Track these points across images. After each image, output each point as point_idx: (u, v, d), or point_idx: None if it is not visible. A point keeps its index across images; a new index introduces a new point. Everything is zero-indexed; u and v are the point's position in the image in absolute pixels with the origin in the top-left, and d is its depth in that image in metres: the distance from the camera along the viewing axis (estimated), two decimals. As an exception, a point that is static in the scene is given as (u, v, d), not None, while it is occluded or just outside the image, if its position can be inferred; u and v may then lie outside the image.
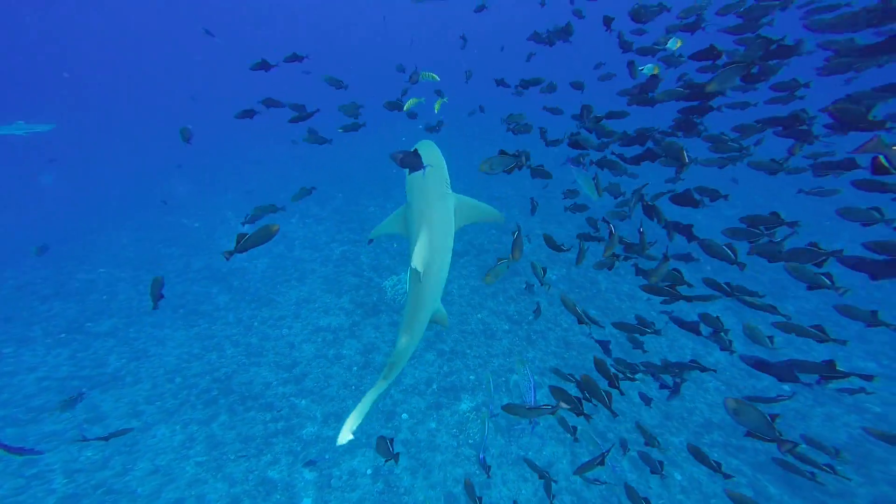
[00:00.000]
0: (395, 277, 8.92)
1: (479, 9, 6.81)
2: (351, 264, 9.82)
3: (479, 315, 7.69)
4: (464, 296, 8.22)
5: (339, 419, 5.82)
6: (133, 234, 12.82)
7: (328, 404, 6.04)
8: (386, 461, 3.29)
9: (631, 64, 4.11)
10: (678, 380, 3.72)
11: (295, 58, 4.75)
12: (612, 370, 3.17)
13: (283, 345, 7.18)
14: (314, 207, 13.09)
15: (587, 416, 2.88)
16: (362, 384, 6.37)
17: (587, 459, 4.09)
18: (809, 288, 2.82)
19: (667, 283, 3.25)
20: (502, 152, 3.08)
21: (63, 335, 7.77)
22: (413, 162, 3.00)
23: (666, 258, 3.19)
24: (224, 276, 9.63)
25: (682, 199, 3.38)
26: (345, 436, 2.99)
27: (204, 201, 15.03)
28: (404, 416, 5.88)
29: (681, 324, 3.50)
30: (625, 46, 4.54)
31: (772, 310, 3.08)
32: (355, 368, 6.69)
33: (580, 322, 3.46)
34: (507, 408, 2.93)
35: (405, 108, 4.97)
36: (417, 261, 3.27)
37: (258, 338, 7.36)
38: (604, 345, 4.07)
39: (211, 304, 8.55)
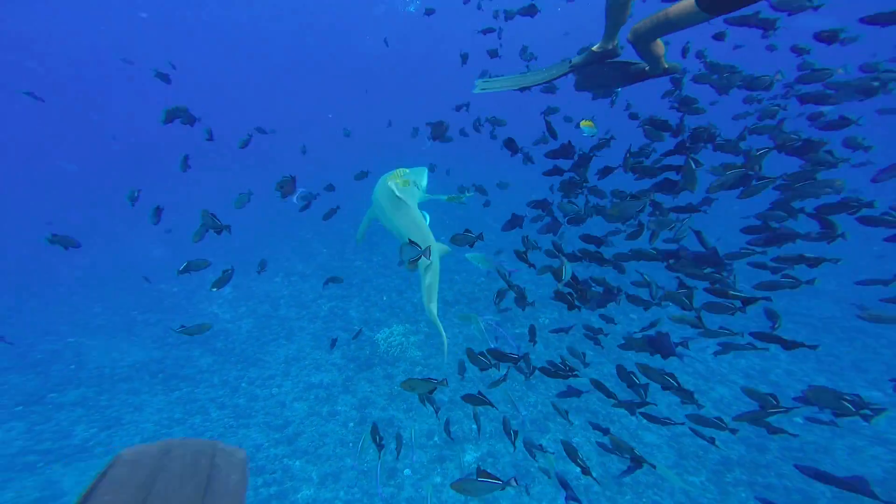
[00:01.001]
0: (386, 330, 8.79)
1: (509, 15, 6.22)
2: (340, 320, 9.65)
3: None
4: (458, 344, 8.13)
5: (337, 479, 5.40)
6: (105, 302, 12.24)
7: (324, 464, 5.62)
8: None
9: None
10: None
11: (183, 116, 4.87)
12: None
13: (273, 404, 6.77)
14: (299, 264, 13.02)
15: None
16: (359, 441, 6.00)
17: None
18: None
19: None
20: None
21: (19, 408, 7.06)
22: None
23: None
24: (206, 339, 9.21)
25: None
26: None
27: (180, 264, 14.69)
28: (407, 471, 5.52)
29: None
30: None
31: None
32: (351, 424, 6.34)
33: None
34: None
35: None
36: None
37: (246, 399, 6.93)
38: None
39: (193, 367, 8.08)
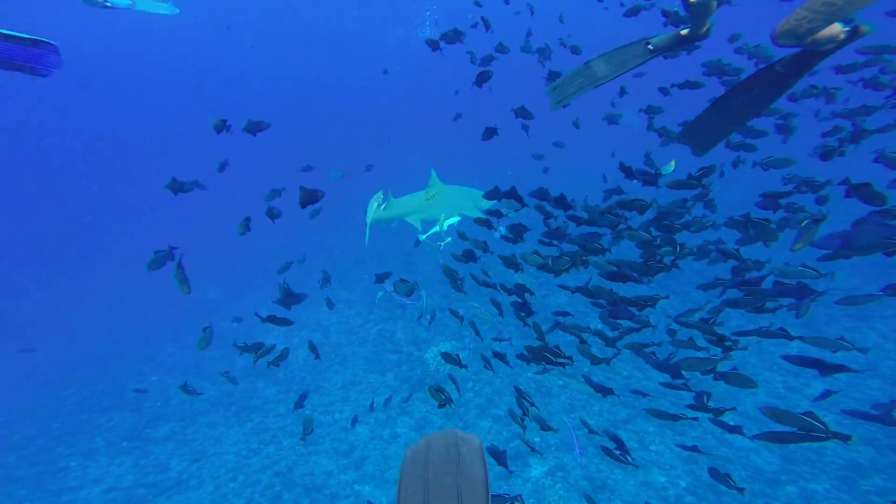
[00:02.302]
0: (434, 349, 8.90)
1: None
2: (388, 342, 9.88)
3: (528, 373, 7.50)
4: (511, 360, 8.08)
5: (406, 503, 5.50)
6: (175, 343, 13.22)
7: (392, 488, 5.74)
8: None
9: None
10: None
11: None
12: None
13: (337, 430, 7.03)
14: (342, 292, 13.48)
15: None
16: (423, 462, 6.09)
17: None
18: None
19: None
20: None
21: (125, 444, 7.83)
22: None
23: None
24: (267, 372, 9.72)
25: None
26: None
27: (238, 301, 15.65)
28: (473, 491, 5.52)
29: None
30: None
31: None
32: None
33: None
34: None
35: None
36: None
37: (313, 425, 7.22)
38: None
39: (259, 398, 8.55)
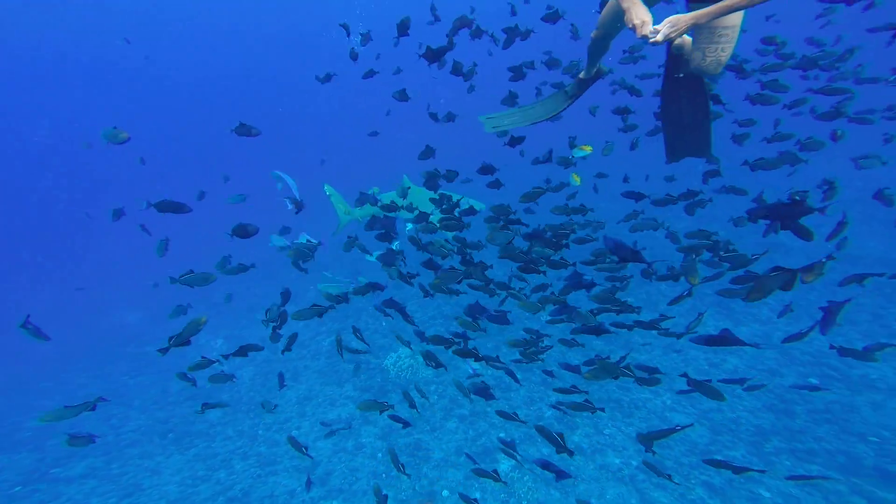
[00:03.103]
0: (393, 355, 8.81)
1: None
2: (343, 353, 9.57)
3: (489, 371, 7.69)
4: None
5: (378, 513, 5.35)
6: (89, 372, 11.65)
7: (362, 499, 5.56)
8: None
9: None
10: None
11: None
12: None
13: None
14: (287, 306, 12.84)
15: None
16: (392, 470, 5.97)
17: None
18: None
19: None
20: None
21: (17, 488, 6.64)
22: None
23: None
24: (210, 393, 8.92)
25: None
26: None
27: (163, 325, 14.20)
28: (444, 493, 5.54)
29: None
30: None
31: None
32: (380, 455, 6.30)
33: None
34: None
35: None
36: None
37: (267, 445, 6.77)
38: None
39: (203, 422, 7.81)
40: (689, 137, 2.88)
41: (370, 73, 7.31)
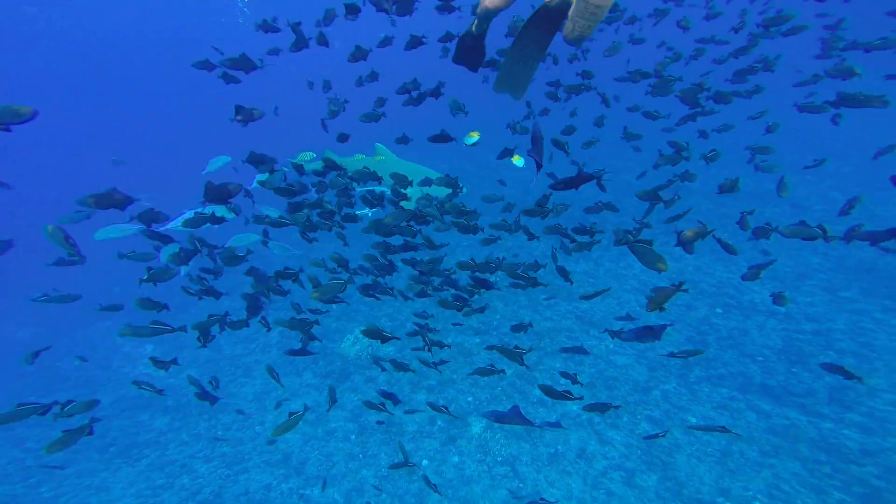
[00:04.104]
0: (350, 336, 8.72)
1: None
2: (294, 342, 9.27)
3: (448, 339, 7.94)
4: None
5: (361, 493, 5.43)
6: (-13, 396, 10.02)
7: (342, 483, 5.58)
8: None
9: None
10: None
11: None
12: None
13: (262, 442, 6.41)
14: (224, 301, 11.98)
15: None
16: (368, 450, 6.04)
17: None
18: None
19: None
20: None
21: None
22: None
23: None
24: (149, 402, 8.18)
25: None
26: None
27: (62, 338, 12.52)
28: (424, 462, 5.75)
29: None
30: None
31: None
32: (353, 437, 6.33)
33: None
34: None
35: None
36: None
37: (231, 445, 6.45)
38: None
39: (149, 431, 7.19)
40: (518, 75, 3.15)
41: (275, 51, 6.58)
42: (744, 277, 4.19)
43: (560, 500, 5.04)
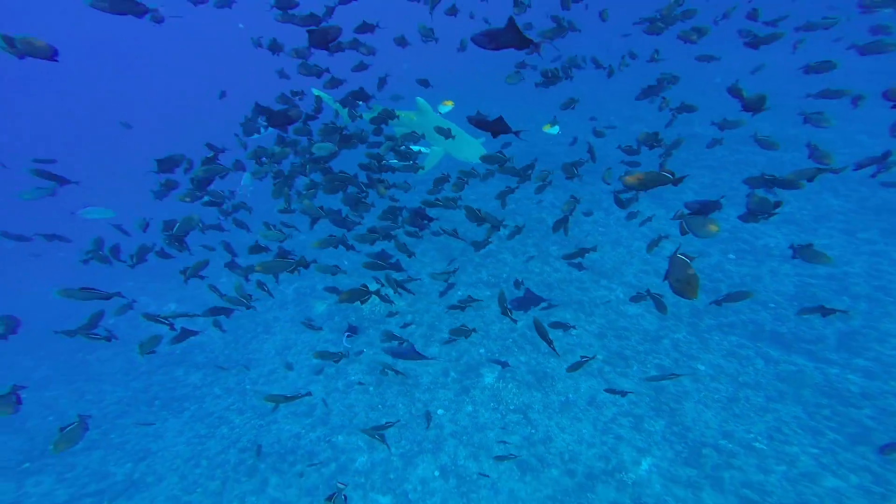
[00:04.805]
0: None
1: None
2: (311, 297, 9.53)
3: (458, 292, 8.07)
4: (435, 284, 8.52)
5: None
6: (32, 354, 10.78)
7: (362, 434, 5.99)
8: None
9: None
10: None
11: None
12: None
13: (289, 394, 6.84)
14: (240, 260, 12.21)
15: None
16: (387, 400, 6.41)
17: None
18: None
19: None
20: None
21: (27, 464, 6.58)
22: None
23: None
24: (181, 358, 8.71)
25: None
26: None
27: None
28: (440, 411, 6.09)
29: None
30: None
31: None
32: (371, 389, 6.69)
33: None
34: None
35: None
36: None
37: (259, 398, 6.92)
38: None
39: (185, 386, 7.75)
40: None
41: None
42: (741, 217, 3.96)
43: (571, 444, 5.36)
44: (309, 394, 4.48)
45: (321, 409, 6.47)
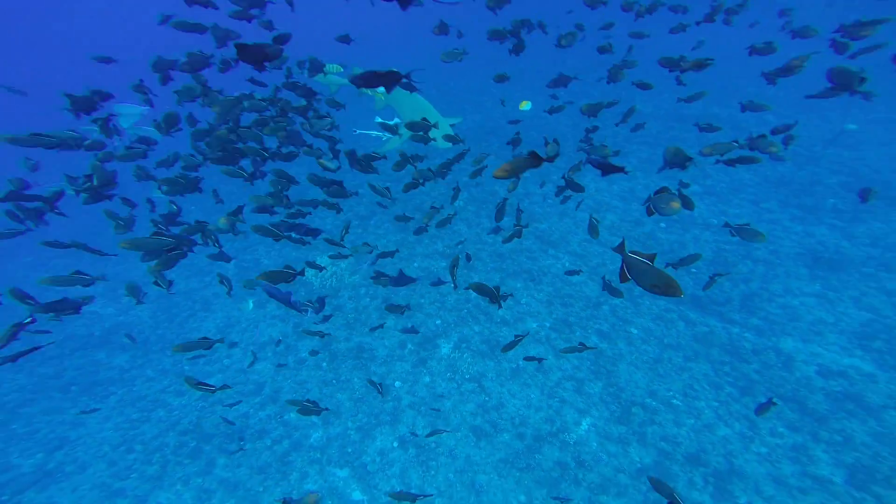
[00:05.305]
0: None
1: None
2: (254, 273, 8.99)
3: (414, 264, 8.05)
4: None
5: (338, 414, 5.82)
6: None
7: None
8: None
9: None
10: None
11: None
12: None
13: (233, 374, 6.52)
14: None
15: None
16: (341, 375, 6.34)
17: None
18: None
19: None
20: None
21: None
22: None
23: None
24: (104, 339, 7.87)
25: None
26: None
27: None
28: (397, 383, 6.15)
29: None
30: None
31: None
32: (325, 364, 6.56)
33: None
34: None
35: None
36: None
37: (201, 378, 6.48)
38: None
39: (110, 369, 7.05)
40: None
41: None
42: (659, 170, 4.33)
43: (521, 409, 5.71)
44: (221, 340, 4.06)
45: (270, 386, 6.24)
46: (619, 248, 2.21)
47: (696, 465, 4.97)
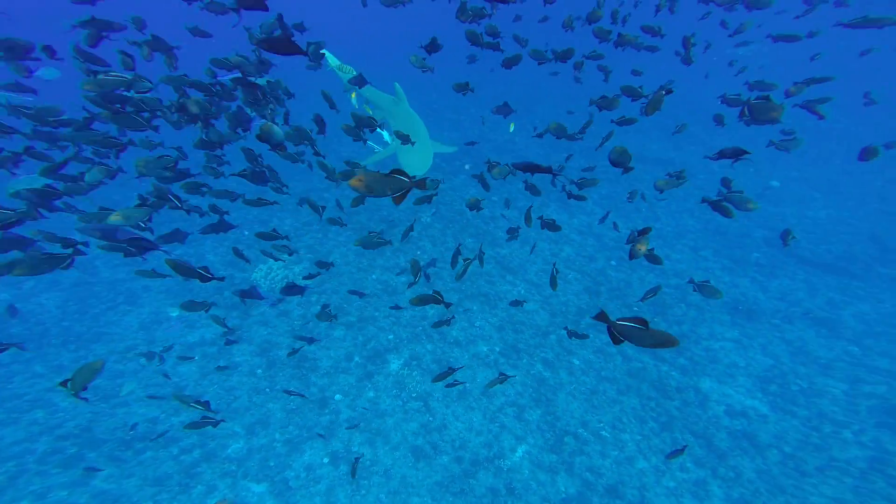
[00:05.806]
0: (263, 267, 8.09)
1: None
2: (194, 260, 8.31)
3: (373, 276, 7.83)
4: (350, 262, 8.15)
5: (266, 425, 5.32)
6: None
7: (245, 416, 5.38)
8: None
9: None
10: None
11: None
12: None
13: (150, 375, 5.79)
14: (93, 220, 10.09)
15: None
16: (277, 384, 5.85)
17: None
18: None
19: None
20: None
21: None
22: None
23: None
24: (-7, 325, 6.75)
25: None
26: None
27: None
28: (337, 396, 5.78)
29: None
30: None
31: None
32: (260, 371, 6.05)
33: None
34: None
35: None
36: None
37: (107, 377, 5.71)
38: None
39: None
40: None
41: None
42: (627, 242, 4.60)
43: (462, 432, 5.53)
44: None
45: (192, 391, 5.60)
46: (603, 318, 2.20)
47: (614, 498, 5.02)
